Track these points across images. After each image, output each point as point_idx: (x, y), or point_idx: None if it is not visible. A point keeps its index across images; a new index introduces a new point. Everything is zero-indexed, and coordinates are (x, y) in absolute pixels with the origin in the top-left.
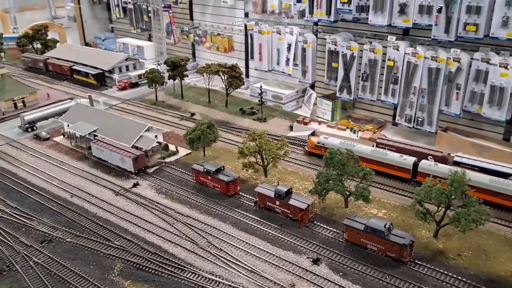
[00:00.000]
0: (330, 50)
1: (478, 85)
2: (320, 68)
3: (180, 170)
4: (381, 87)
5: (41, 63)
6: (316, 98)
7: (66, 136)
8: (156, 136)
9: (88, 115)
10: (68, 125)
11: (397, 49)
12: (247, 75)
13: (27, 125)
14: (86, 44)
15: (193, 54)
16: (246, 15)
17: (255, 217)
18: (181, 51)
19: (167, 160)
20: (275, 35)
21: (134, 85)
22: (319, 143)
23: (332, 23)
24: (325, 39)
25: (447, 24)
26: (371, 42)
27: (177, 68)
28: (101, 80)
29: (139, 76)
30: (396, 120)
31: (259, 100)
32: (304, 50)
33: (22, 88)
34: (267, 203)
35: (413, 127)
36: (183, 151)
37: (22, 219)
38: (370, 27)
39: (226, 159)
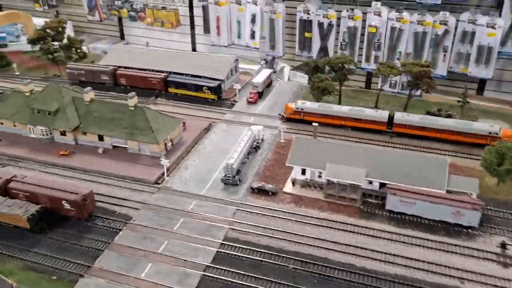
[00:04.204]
0: (302, 19)
1: (464, 46)
2: (288, 39)
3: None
4: (361, 55)
5: (105, 76)
6: (289, 71)
7: (297, 183)
8: None
9: (325, 152)
10: (304, 170)
11: (379, 15)
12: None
13: (236, 176)
14: None
15: (121, 32)
16: None
17: None
18: (106, 29)
19: None
20: (234, 6)
21: (260, 94)
22: (297, 108)
23: None
24: (295, 8)
25: None
26: (352, 9)
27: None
28: (219, 93)
29: (264, 82)
30: (379, 86)
31: (460, 101)
32: (272, 21)
33: (167, 121)
34: None
35: (398, 92)
36: None
37: None
38: None
39: None
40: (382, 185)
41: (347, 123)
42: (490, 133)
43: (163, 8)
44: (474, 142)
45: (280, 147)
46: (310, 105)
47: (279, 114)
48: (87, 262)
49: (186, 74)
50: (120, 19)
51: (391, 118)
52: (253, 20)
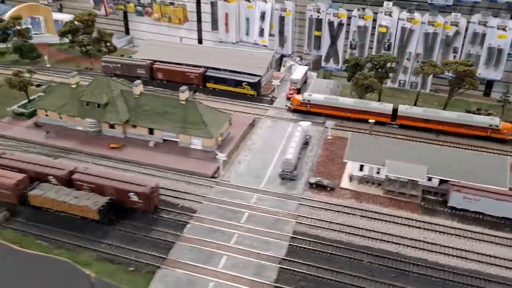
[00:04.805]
0: (311, 18)
1: (474, 47)
2: (297, 38)
3: None
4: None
5: (142, 70)
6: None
7: (354, 179)
8: None
9: (382, 148)
10: (362, 166)
11: (390, 15)
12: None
13: (294, 171)
14: None
15: (126, 27)
16: None
17: None
18: (110, 24)
19: None
20: (243, 3)
21: (298, 91)
22: (304, 100)
23: None
24: (305, 6)
25: None
26: (364, 9)
27: (380, 68)
28: (259, 89)
29: (302, 78)
30: (388, 86)
31: (501, 101)
32: (282, 18)
33: (217, 116)
34: None
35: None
36: None
37: None
38: None
39: None
40: (441, 182)
41: (352, 115)
42: (490, 125)
43: (171, 3)
44: (475, 134)
45: (328, 144)
46: (316, 97)
47: (286, 106)
48: (161, 254)
49: (224, 69)
50: (125, 13)
51: (395, 110)
52: (262, 17)
